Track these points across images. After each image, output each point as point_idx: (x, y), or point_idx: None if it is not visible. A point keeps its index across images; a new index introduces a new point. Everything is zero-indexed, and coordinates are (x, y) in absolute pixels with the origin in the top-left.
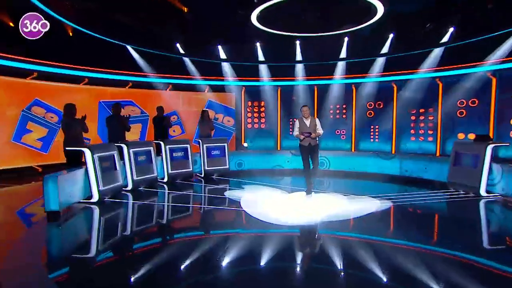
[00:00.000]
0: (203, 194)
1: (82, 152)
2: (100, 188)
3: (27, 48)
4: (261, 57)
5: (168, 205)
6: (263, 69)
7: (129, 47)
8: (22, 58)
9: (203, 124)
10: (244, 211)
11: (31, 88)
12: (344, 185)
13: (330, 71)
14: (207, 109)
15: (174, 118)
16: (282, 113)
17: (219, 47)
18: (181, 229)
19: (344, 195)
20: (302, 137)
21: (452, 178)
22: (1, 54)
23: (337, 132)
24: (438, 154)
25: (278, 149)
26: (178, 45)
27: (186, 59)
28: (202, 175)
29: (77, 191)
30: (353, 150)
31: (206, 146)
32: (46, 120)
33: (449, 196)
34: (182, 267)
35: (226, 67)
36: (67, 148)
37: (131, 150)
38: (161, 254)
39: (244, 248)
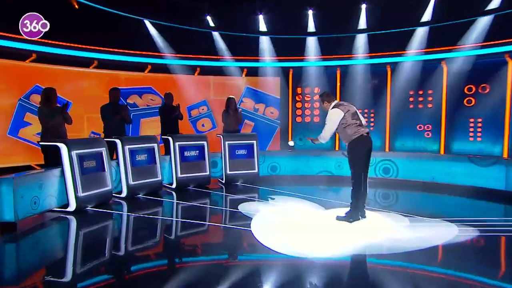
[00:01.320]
0: (209, 206)
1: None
2: (78, 194)
3: (16, 23)
4: (311, 28)
5: (160, 219)
6: (314, 44)
7: (146, 22)
8: (17, 36)
9: (229, 116)
10: (252, 233)
11: (30, 72)
12: (412, 201)
13: (404, 44)
14: (233, 97)
15: (203, 109)
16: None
17: (260, 17)
18: (145, 257)
19: (407, 216)
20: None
21: None
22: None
23: (420, 127)
24: None
25: (336, 149)
26: (208, 17)
27: (216, 35)
28: (223, 181)
29: (49, 196)
30: (442, 151)
31: (228, 143)
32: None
33: None
34: None
35: (266, 43)
36: (40, 143)
37: (126, 147)
38: None
39: None
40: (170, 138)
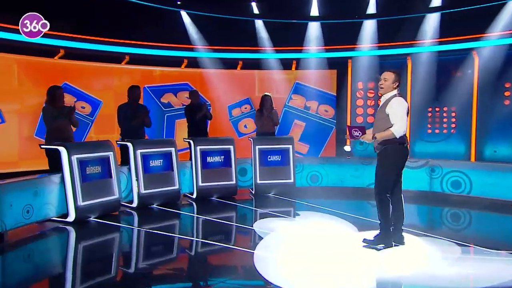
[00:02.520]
0: (226, 222)
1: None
2: (78, 203)
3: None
4: (371, 9)
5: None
6: (373, 29)
7: (182, 13)
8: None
9: (263, 117)
10: (252, 258)
11: (58, 69)
12: (477, 226)
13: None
14: (269, 94)
15: (245, 108)
16: (415, 99)
17: None
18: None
19: (462, 245)
20: (347, 132)
21: None
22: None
23: None
24: None
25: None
26: (253, 3)
27: (260, 24)
28: (253, 192)
29: (46, 205)
30: None
31: (259, 148)
32: (76, 111)
33: None
34: None
35: (318, 30)
36: (41, 146)
37: (138, 152)
38: None
39: None
40: (191, 142)
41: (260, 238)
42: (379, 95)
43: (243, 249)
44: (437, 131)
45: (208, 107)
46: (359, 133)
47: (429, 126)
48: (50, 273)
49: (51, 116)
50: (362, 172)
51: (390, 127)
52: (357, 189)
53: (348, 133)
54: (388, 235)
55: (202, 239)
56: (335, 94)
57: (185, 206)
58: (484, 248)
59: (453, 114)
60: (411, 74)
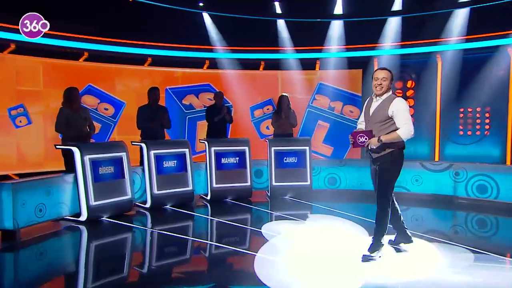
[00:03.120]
0: (234, 224)
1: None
2: (90, 202)
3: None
4: (397, 6)
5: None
6: (397, 26)
7: (204, 14)
8: (67, 34)
9: (280, 117)
10: (253, 260)
11: (83, 72)
12: (496, 233)
13: None
14: (286, 95)
15: (268, 109)
16: (445, 99)
17: None
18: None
19: (476, 253)
20: (352, 140)
21: None
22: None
23: None
24: None
25: (436, 159)
26: (276, 3)
27: (282, 25)
28: (269, 194)
29: (59, 204)
30: None
31: (275, 150)
32: (99, 113)
33: None
34: None
35: (338, 28)
36: (57, 146)
37: (152, 152)
38: None
39: None
40: (206, 143)
41: (266, 240)
42: (376, 94)
43: (246, 251)
44: (469, 133)
45: (230, 110)
46: (366, 138)
47: (460, 127)
48: (58, 270)
49: (67, 117)
50: None
51: (395, 129)
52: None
53: (353, 140)
54: (381, 241)
55: (208, 240)
56: (361, 95)
57: (198, 208)
58: (500, 256)
59: (487, 115)
60: (441, 73)
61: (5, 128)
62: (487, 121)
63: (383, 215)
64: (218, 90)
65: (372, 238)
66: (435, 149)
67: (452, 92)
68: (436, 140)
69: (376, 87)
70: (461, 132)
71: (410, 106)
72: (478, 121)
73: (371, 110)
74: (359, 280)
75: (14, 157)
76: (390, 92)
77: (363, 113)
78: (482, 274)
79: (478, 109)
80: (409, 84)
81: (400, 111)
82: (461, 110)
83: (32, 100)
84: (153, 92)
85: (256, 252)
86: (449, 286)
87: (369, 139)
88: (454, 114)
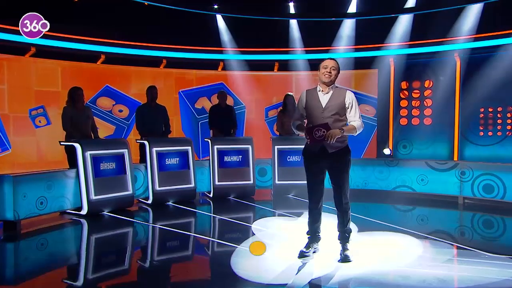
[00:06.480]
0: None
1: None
2: (91, 197)
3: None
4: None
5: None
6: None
7: (218, 16)
8: (85, 38)
9: (285, 117)
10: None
11: (100, 73)
12: (495, 232)
13: None
14: (291, 94)
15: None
16: (464, 98)
17: None
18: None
19: (465, 249)
20: (302, 134)
21: None
22: (60, 35)
23: None
24: None
25: (455, 159)
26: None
27: (295, 25)
28: (273, 192)
29: (60, 197)
30: None
31: (278, 148)
32: (113, 115)
33: None
34: None
35: (352, 27)
36: (61, 143)
37: (154, 150)
38: None
39: None
40: (208, 141)
41: (253, 235)
42: (324, 82)
43: (228, 243)
44: (490, 133)
45: (235, 112)
46: (324, 131)
47: (481, 128)
48: (55, 261)
49: (70, 116)
50: (387, 174)
51: (349, 122)
52: (381, 192)
53: (309, 136)
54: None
55: (198, 234)
56: (376, 97)
57: (200, 205)
58: (484, 252)
59: (509, 115)
60: (460, 72)
61: (26, 128)
62: (508, 121)
63: (348, 216)
64: (221, 90)
65: (347, 241)
66: (453, 150)
67: (471, 92)
68: (454, 141)
69: (325, 75)
70: (481, 133)
71: (427, 106)
72: (499, 121)
73: (322, 101)
74: (329, 270)
75: (35, 156)
76: (335, 85)
77: (301, 109)
78: (458, 268)
79: (500, 109)
80: (426, 84)
81: (355, 103)
82: (481, 110)
83: (51, 101)
84: (150, 91)
85: (239, 245)
86: (419, 277)
87: (327, 131)
88: (474, 115)
